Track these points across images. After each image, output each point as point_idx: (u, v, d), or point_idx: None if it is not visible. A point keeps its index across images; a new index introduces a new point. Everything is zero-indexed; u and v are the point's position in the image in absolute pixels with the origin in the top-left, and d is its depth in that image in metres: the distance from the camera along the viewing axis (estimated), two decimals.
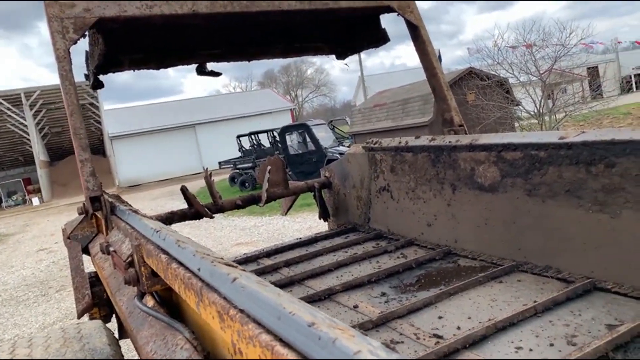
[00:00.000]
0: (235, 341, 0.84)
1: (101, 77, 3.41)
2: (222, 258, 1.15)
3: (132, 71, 3.50)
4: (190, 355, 1.21)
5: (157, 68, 3.48)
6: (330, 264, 2.87)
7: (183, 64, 3.55)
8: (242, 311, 0.84)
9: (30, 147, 28.64)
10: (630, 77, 42.15)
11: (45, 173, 30.06)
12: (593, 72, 29.62)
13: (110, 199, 2.54)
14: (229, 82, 71.28)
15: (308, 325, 0.66)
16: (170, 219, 3.31)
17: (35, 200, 28.02)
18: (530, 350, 1.66)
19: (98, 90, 23.64)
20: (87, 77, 3.41)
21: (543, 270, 2.27)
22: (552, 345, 1.67)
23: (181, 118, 32.63)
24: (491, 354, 1.67)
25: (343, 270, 2.80)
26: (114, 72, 3.41)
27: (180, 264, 1.22)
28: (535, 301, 1.94)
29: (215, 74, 3.82)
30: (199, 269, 1.08)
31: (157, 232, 1.49)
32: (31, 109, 27.07)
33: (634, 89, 39.57)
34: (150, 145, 30.96)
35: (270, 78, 65.10)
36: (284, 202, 4.20)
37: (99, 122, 31.98)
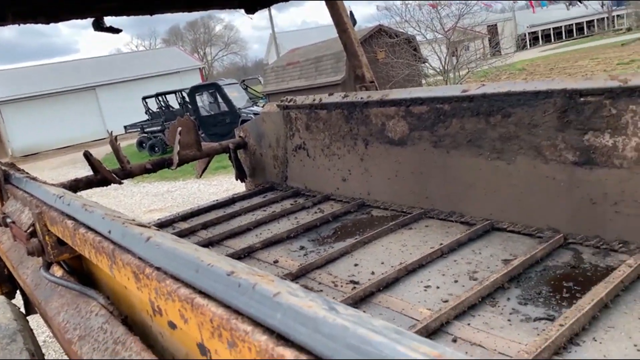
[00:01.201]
0: (154, 299, 0.83)
1: None
2: (133, 220, 1.11)
3: (17, 26, 3.15)
4: (107, 321, 1.18)
5: (47, 22, 3.16)
6: (249, 223, 2.88)
7: (77, 18, 3.25)
8: (158, 269, 0.82)
9: None
10: (525, 35, 45.13)
11: None
12: (492, 29, 31.33)
13: (3, 167, 2.34)
14: (131, 39, 66.72)
15: (227, 274, 0.67)
16: (74, 186, 3.12)
17: None
18: (438, 287, 1.80)
19: None
20: None
21: (448, 215, 2.44)
22: (456, 281, 1.83)
23: (79, 80, 30.16)
24: (403, 294, 1.79)
25: (262, 229, 2.83)
26: None
27: (89, 228, 1.16)
28: (441, 244, 2.10)
29: (115, 30, 3.55)
30: (109, 232, 1.04)
31: (60, 197, 1.40)
32: None
33: (528, 46, 42.47)
34: (46, 110, 28.44)
35: (176, 35, 61.68)
36: (197, 164, 4.09)
37: None
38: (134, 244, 0.92)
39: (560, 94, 1.96)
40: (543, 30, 49.69)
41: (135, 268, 0.88)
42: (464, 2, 15.48)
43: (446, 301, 1.67)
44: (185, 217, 3.35)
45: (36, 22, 3.11)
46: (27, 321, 1.80)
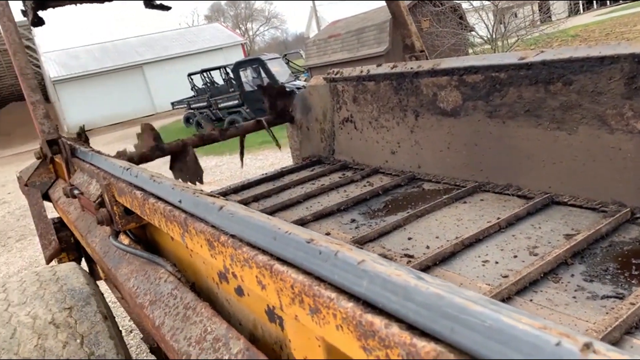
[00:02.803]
0: (228, 266, 0.85)
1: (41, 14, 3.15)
2: (202, 190, 1.14)
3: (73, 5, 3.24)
4: (176, 287, 1.22)
5: (102, 1, 3.24)
6: (299, 196, 2.90)
7: None
8: (233, 236, 0.84)
9: None
10: None
11: None
12: None
13: (69, 142, 2.44)
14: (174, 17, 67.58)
15: (307, 242, 0.67)
16: (130, 159, 3.23)
17: None
18: (496, 262, 1.77)
19: (34, 32, 21.95)
20: (24, 13, 3.14)
21: (504, 188, 2.37)
22: (515, 257, 1.78)
23: (126, 58, 30.97)
24: (460, 269, 1.77)
25: (312, 201, 2.84)
26: (54, 6, 3.16)
27: (159, 198, 1.20)
28: (498, 218, 2.05)
29: (165, 7, 3.60)
30: (180, 201, 1.07)
31: (127, 170, 1.45)
32: None
33: (582, 11, 40.14)
34: (97, 88, 29.42)
35: (218, 11, 62.05)
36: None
37: (38, 66, 29.92)
38: (206, 212, 0.95)
39: (628, 59, 1.85)
40: None
41: (210, 236, 0.90)
42: None
43: (506, 276, 1.64)
44: (236, 189, 3.42)
45: (91, 2, 3.19)
46: (97, 285, 1.91)
